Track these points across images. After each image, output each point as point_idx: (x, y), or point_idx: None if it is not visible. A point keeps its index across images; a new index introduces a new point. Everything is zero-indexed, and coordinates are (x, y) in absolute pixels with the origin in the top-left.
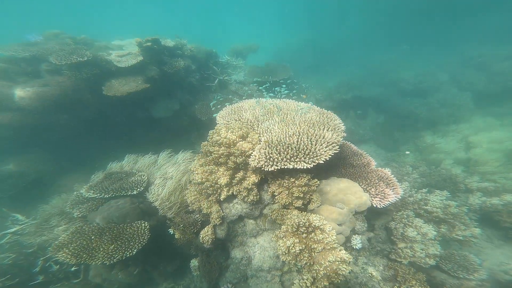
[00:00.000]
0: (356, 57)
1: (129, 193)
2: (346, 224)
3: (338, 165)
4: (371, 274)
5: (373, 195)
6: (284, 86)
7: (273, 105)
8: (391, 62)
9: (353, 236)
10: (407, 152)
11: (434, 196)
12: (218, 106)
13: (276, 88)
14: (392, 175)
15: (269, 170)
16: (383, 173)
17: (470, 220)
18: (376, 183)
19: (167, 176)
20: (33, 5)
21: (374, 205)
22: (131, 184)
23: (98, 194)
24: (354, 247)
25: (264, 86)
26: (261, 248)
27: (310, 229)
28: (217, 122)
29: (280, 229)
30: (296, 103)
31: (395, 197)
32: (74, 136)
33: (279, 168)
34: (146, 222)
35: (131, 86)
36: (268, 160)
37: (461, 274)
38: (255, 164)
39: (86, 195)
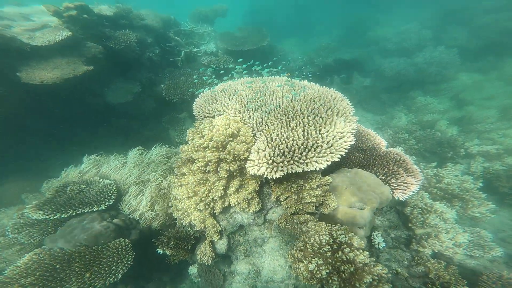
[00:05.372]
0: (332, 13)
1: (95, 208)
2: (367, 226)
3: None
4: (397, 271)
5: (394, 186)
6: (270, 63)
7: (264, 86)
8: (368, 19)
9: (373, 234)
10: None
11: (448, 172)
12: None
13: (256, 67)
14: (407, 156)
15: (274, 177)
16: (397, 155)
17: (481, 192)
18: (396, 172)
19: (143, 180)
20: None
21: (396, 198)
22: (96, 198)
23: (52, 215)
24: (377, 247)
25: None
26: (269, 257)
27: (335, 246)
28: (195, 115)
29: (294, 242)
30: (289, 81)
31: (418, 185)
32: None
33: (285, 173)
34: (126, 240)
35: (65, 70)
36: (270, 165)
37: (477, 253)
38: (255, 172)
39: (34, 217)
